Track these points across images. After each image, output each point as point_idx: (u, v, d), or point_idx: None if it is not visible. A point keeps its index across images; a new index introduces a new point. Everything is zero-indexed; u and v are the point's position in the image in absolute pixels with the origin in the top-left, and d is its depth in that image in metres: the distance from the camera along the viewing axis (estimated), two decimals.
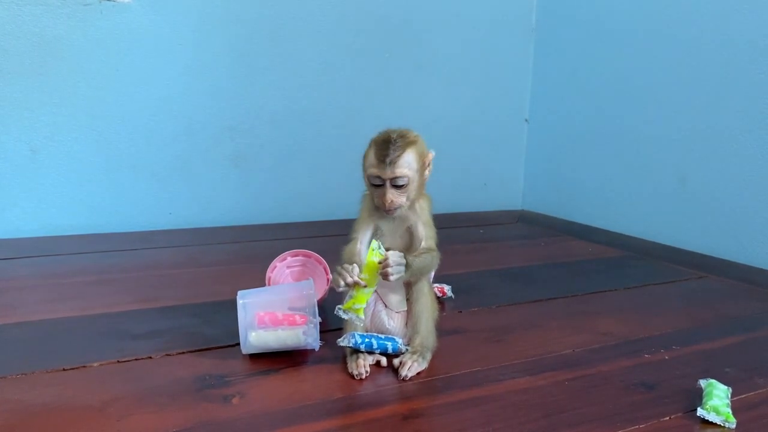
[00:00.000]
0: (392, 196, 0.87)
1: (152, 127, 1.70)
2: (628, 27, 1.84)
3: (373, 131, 0.96)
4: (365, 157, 0.90)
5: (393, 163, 0.86)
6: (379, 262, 0.84)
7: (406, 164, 0.87)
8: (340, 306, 0.85)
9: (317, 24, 1.85)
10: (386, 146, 0.86)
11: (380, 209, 0.90)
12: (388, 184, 0.87)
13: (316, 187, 1.92)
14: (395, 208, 0.88)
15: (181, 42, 1.70)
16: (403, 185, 0.87)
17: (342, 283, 0.85)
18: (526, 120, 2.25)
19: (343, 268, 0.85)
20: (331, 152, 1.92)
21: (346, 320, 0.87)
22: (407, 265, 0.86)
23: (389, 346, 0.90)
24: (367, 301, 0.86)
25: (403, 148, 0.87)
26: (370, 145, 0.90)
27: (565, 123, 2.09)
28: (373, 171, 0.87)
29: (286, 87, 1.84)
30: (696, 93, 1.67)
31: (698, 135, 1.67)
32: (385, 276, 0.84)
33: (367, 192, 0.96)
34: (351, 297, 0.85)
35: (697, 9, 1.65)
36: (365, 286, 0.85)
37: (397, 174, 0.86)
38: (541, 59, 2.18)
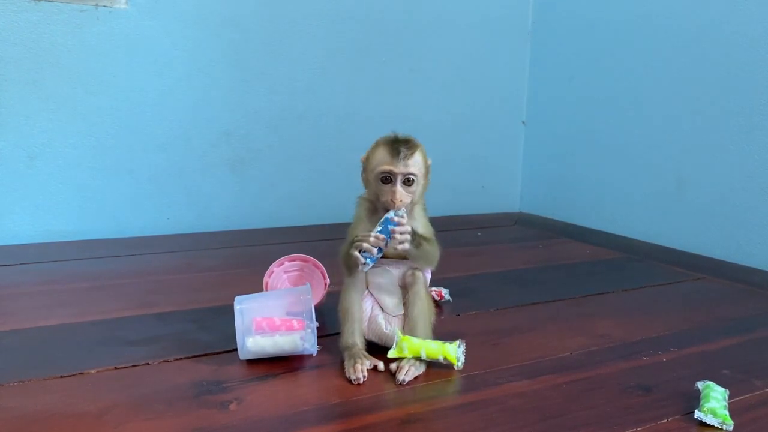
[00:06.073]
0: (401, 193, 0.90)
1: (149, 133, 1.70)
2: (625, 29, 1.85)
3: (370, 135, 0.97)
4: (371, 156, 0.92)
5: (406, 158, 0.89)
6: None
7: (416, 163, 0.91)
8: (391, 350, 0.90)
9: (313, 29, 1.85)
10: (399, 144, 0.90)
11: (383, 207, 0.91)
12: (399, 179, 0.90)
13: (313, 192, 1.92)
14: (402, 206, 0.90)
15: (177, 47, 1.70)
16: (412, 182, 0.90)
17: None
18: (523, 122, 2.25)
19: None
20: (328, 156, 1.92)
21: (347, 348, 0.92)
22: (414, 234, 0.90)
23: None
24: (410, 338, 0.90)
25: (414, 148, 0.91)
26: (376, 145, 0.92)
27: (562, 125, 2.10)
28: (385, 167, 0.90)
29: (282, 91, 1.84)
30: (693, 95, 1.67)
31: (695, 137, 1.67)
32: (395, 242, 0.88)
33: (363, 196, 0.97)
34: (398, 342, 0.90)
35: (693, 12, 1.66)
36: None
37: (410, 170, 0.90)
38: (538, 61, 2.18)
